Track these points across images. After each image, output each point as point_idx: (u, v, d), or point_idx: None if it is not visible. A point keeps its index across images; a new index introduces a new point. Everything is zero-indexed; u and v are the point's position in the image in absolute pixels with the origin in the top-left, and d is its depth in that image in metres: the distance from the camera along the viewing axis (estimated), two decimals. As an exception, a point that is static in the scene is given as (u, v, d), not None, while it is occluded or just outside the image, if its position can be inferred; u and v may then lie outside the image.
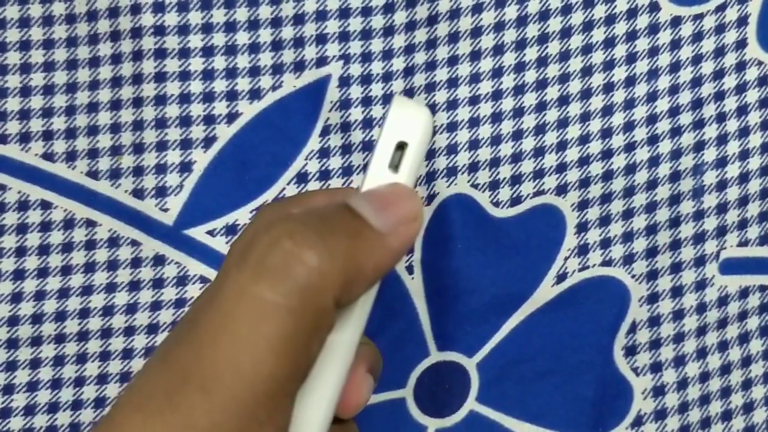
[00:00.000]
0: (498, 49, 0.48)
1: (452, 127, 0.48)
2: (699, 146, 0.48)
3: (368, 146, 0.47)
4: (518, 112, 0.48)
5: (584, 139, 0.48)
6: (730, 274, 0.47)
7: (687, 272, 0.47)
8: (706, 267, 0.47)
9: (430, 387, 0.47)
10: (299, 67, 0.48)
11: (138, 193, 0.47)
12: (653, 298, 0.47)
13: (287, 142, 0.48)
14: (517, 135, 0.48)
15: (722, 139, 0.48)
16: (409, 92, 0.48)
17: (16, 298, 0.46)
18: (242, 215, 0.47)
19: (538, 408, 0.47)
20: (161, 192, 0.47)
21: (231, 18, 0.48)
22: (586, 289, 0.47)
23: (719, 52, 0.48)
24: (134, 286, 0.47)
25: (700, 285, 0.47)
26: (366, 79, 0.48)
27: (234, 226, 0.47)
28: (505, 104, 0.48)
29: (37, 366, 0.46)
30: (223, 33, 0.48)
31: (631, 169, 0.48)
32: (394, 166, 0.35)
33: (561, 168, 0.48)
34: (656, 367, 0.47)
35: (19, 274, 0.47)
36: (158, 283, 0.47)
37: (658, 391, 0.47)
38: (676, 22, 0.48)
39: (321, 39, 0.48)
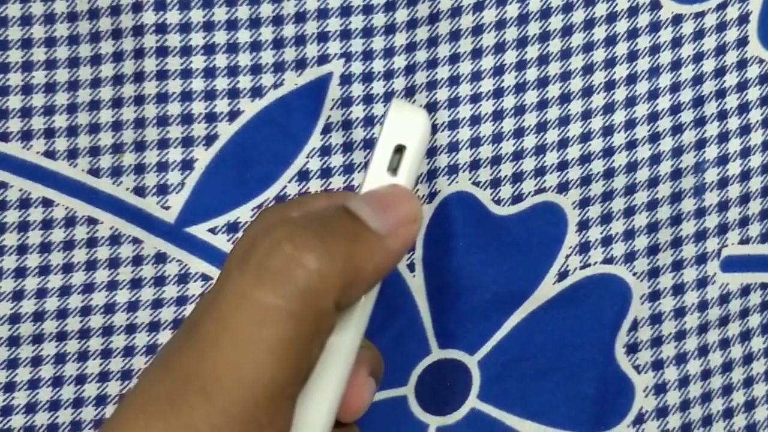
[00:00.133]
0: (499, 47, 0.48)
1: (453, 124, 0.48)
2: (700, 144, 0.48)
3: (369, 144, 0.47)
4: (519, 110, 0.48)
5: (585, 137, 0.48)
6: (731, 271, 0.47)
7: (688, 270, 0.47)
8: (708, 265, 0.47)
9: (431, 385, 0.47)
10: (301, 65, 0.48)
11: (139, 191, 0.47)
12: (654, 296, 0.47)
13: (288, 140, 0.48)
14: (519, 133, 0.48)
15: (723, 137, 0.48)
16: (411, 90, 0.48)
17: (18, 295, 0.46)
18: (243, 213, 0.47)
19: (540, 406, 0.47)
20: (163, 190, 0.47)
21: (232, 16, 0.48)
22: (587, 287, 0.47)
23: (720, 49, 0.48)
24: (136, 283, 0.47)
25: (702, 283, 0.47)
26: (367, 77, 0.48)
27: (235, 224, 0.47)
28: (507, 102, 0.48)
29: (39, 364, 0.46)
30: (224, 31, 0.48)
31: (632, 167, 0.47)
32: (393, 169, 0.35)
33: (562, 166, 0.48)
34: (658, 365, 0.47)
35: (20, 272, 0.47)
36: (160, 281, 0.47)
37: (660, 388, 0.47)
38: (677, 20, 0.48)
39: (322, 37, 0.48)
